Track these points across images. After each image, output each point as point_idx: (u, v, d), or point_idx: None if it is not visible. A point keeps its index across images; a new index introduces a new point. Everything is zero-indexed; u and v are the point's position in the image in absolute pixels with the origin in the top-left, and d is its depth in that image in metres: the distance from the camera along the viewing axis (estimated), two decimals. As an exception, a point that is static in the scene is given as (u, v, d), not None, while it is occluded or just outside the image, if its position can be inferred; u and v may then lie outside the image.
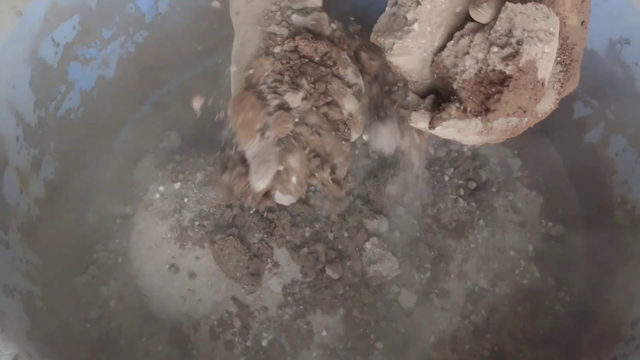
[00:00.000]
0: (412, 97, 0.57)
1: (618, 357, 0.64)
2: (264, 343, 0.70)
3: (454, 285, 0.75)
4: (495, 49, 0.47)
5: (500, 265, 0.77)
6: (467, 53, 0.49)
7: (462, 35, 0.50)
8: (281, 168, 0.54)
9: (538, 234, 0.81)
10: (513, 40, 0.46)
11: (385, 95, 0.66)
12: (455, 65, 0.50)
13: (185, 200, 0.76)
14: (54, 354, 0.61)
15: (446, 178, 0.82)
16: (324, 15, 0.64)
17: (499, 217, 0.81)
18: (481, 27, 0.49)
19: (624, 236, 0.76)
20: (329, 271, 0.73)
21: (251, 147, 0.55)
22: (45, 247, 0.73)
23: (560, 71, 0.53)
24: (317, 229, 0.75)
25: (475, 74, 0.48)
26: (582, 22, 0.55)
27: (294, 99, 0.56)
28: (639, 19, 0.72)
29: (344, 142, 0.58)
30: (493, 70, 0.47)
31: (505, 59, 0.46)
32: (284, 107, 0.55)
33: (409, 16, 0.53)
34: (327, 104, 0.57)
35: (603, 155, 0.81)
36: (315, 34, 0.61)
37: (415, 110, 0.52)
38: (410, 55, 0.53)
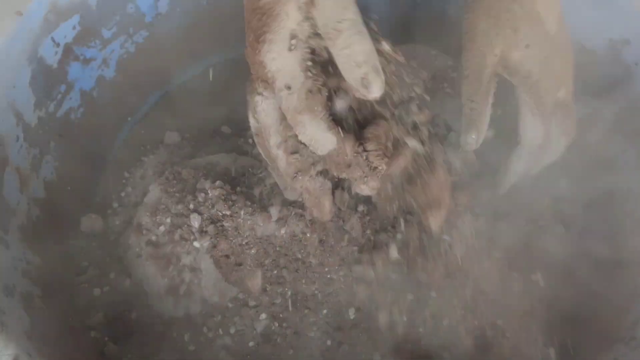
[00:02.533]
0: None
1: (618, 357, 0.64)
2: (265, 345, 0.70)
3: (455, 287, 0.75)
4: None
5: (499, 266, 0.77)
6: None
7: None
8: None
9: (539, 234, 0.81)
10: None
11: None
12: None
13: (186, 200, 0.76)
14: (54, 354, 0.62)
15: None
16: None
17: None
18: None
19: (624, 236, 0.76)
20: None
21: None
22: (45, 247, 0.73)
23: None
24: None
25: None
26: None
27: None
28: (639, 19, 0.72)
29: None
30: None
31: None
32: None
33: None
34: None
35: (603, 156, 0.81)
36: None
37: None
38: None
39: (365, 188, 0.57)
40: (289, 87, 0.53)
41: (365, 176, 0.57)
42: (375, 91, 0.50)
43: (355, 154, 0.56)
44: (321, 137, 0.54)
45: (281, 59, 0.53)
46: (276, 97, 0.55)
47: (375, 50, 0.51)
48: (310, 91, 0.53)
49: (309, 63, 0.54)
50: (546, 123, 0.63)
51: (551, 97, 0.61)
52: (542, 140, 0.64)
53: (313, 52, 0.54)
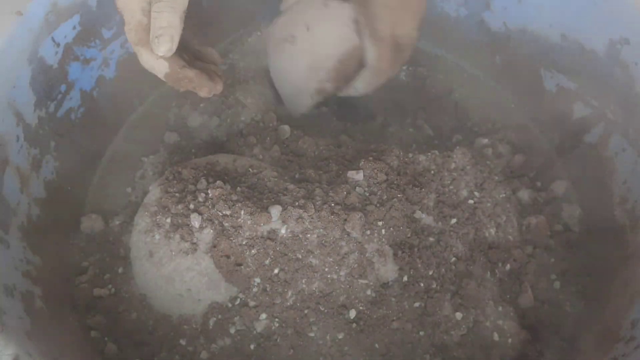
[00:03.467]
0: None
1: (618, 357, 0.64)
2: (265, 345, 0.70)
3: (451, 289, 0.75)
4: None
5: (500, 265, 0.77)
6: None
7: None
8: None
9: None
10: None
11: None
12: None
13: (186, 200, 0.76)
14: (54, 354, 0.62)
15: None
16: None
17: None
18: None
19: (624, 236, 0.76)
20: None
21: None
22: (45, 247, 0.73)
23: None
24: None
25: None
26: None
27: None
28: (639, 19, 0.72)
29: None
30: None
31: None
32: None
33: None
34: None
35: (603, 155, 0.81)
36: None
37: None
38: None
39: (202, 93, 0.72)
40: (127, 23, 0.66)
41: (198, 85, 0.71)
42: (162, 52, 0.65)
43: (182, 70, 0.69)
44: (155, 64, 0.68)
45: None
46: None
47: (179, 25, 0.65)
48: (144, 29, 0.65)
49: (145, 5, 0.65)
50: (381, 50, 0.77)
51: (386, 29, 0.75)
52: (377, 64, 0.78)
53: None
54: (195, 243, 0.70)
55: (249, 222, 0.69)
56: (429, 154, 0.80)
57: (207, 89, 0.73)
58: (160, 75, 0.69)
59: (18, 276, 0.66)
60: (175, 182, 0.75)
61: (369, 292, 0.71)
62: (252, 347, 0.70)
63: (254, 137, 0.87)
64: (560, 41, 0.82)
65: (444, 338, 0.71)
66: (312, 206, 0.70)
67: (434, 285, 0.72)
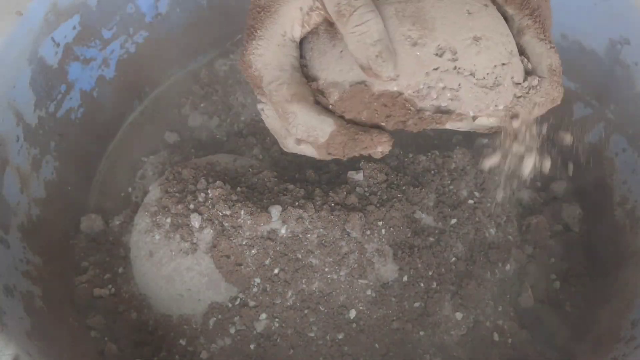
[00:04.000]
0: None
1: (618, 357, 0.64)
2: (265, 345, 0.70)
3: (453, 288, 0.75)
4: None
5: (500, 265, 0.77)
6: None
7: None
8: None
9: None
10: None
11: None
12: None
13: (186, 200, 0.76)
14: (54, 354, 0.62)
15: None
16: None
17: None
18: None
19: (624, 236, 0.76)
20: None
21: None
22: (45, 247, 0.73)
23: (537, 28, 0.57)
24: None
25: None
26: None
27: None
28: (639, 19, 0.72)
29: None
30: None
31: None
32: None
33: None
34: None
35: (603, 155, 0.81)
36: None
37: None
38: None
39: (377, 153, 0.56)
40: (276, 79, 0.53)
41: (371, 143, 0.54)
42: (388, 70, 0.49)
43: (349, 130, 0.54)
44: (316, 122, 0.53)
45: (269, 54, 0.54)
46: (267, 95, 0.54)
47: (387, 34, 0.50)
48: (298, 82, 0.54)
49: (294, 61, 0.55)
50: (552, 53, 0.57)
51: (549, 29, 0.59)
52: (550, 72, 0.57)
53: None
54: (195, 243, 0.70)
55: (249, 222, 0.69)
56: (429, 154, 0.80)
57: (385, 144, 0.54)
58: (324, 135, 0.53)
59: (18, 276, 0.66)
60: (175, 182, 0.75)
61: (369, 292, 0.71)
62: (252, 347, 0.70)
63: (254, 137, 0.87)
64: (560, 41, 0.82)
65: (444, 338, 0.71)
66: (312, 206, 0.70)
67: (434, 285, 0.72)
